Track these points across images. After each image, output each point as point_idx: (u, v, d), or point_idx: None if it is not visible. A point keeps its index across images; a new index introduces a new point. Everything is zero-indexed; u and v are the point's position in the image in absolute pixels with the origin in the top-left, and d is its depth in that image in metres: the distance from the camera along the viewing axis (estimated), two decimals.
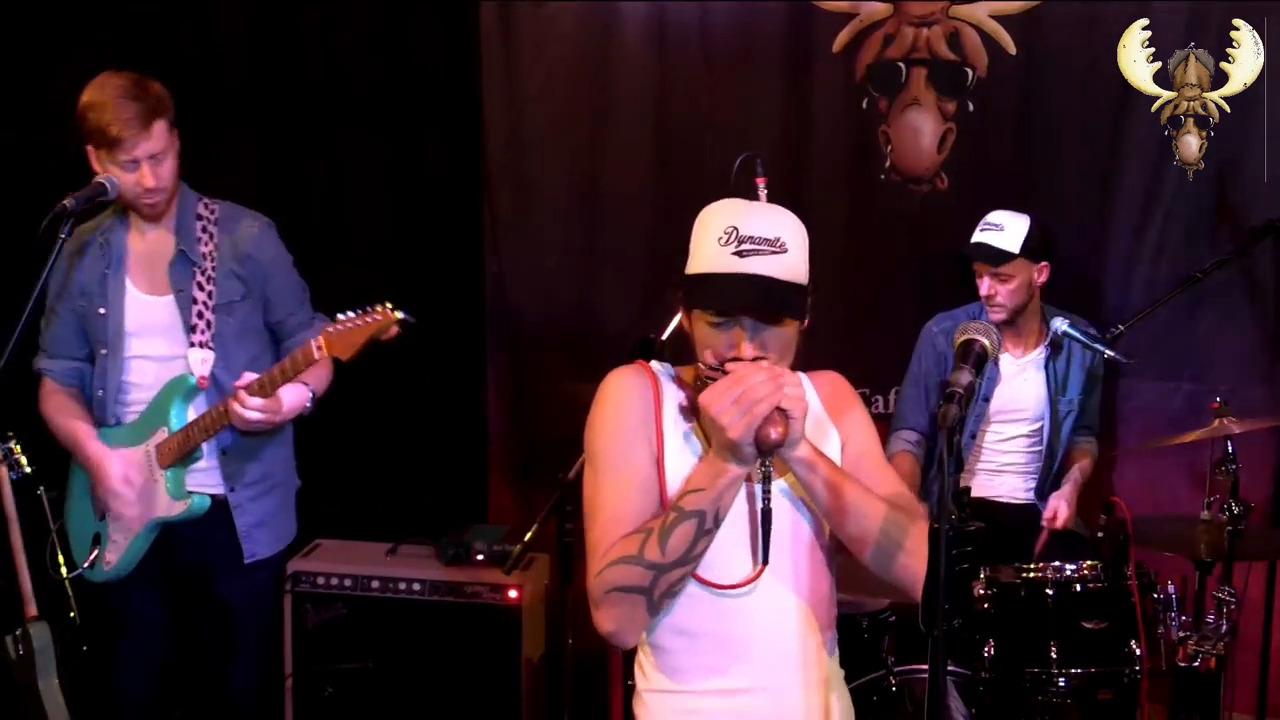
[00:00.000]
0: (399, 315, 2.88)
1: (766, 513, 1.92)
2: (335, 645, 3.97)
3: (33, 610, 3.48)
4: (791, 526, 2.04)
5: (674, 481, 2.01)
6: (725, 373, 1.91)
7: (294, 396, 3.06)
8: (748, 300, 1.94)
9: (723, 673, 2.04)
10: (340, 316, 2.90)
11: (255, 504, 3.21)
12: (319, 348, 2.88)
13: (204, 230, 3.14)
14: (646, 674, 2.12)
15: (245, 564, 3.19)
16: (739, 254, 1.93)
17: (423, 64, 4.51)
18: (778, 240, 1.94)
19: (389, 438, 4.61)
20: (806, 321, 2.03)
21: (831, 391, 2.19)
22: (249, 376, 2.95)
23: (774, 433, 1.85)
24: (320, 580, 3.98)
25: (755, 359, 1.93)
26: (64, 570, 3.30)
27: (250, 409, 2.92)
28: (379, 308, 2.89)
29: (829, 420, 2.14)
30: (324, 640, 3.98)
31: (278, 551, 3.32)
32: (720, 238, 1.95)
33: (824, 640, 2.09)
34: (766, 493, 1.91)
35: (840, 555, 2.13)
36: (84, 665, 3.46)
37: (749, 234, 1.94)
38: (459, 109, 4.50)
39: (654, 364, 2.16)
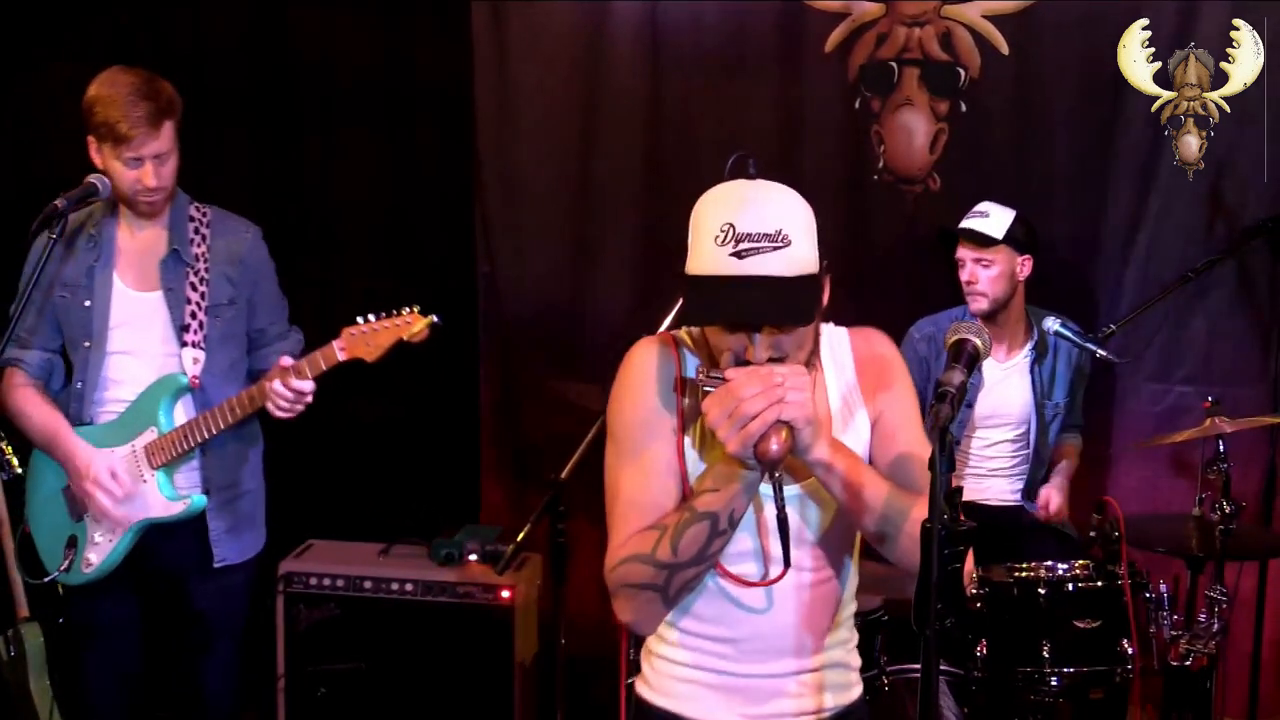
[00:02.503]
0: (431, 319, 2.92)
1: (783, 520, 1.86)
2: (328, 646, 3.96)
3: (24, 611, 3.47)
4: (799, 532, 2.01)
5: (693, 461, 1.99)
6: (725, 379, 1.83)
7: None
8: (751, 313, 1.84)
9: (721, 655, 2.06)
10: (360, 320, 2.94)
11: (227, 509, 3.19)
12: (341, 349, 2.93)
13: (196, 232, 3.14)
14: (657, 636, 2.14)
15: (215, 568, 3.17)
16: (738, 254, 1.82)
17: (415, 63, 4.51)
18: (779, 233, 1.83)
19: (381, 438, 4.60)
20: (825, 302, 1.96)
21: (869, 355, 2.10)
22: (288, 360, 2.97)
23: (773, 447, 1.78)
24: (313, 581, 3.98)
25: (771, 359, 1.86)
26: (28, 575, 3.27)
27: (301, 388, 2.94)
28: (406, 311, 2.93)
29: (859, 390, 2.07)
30: (316, 641, 3.97)
31: (247, 559, 3.27)
32: (717, 236, 1.84)
33: (828, 638, 2.09)
34: (780, 500, 1.85)
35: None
36: (75, 667, 3.45)
37: (746, 231, 1.83)
38: (451, 108, 4.49)
39: (680, 332, 2.10)
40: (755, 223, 1.84)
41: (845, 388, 2.07)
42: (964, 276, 3.78)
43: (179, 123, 3.03)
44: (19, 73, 4.41)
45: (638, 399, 2.02)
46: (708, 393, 1.85)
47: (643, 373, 2.03)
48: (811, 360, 2.00)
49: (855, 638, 2.20)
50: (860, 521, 1.95)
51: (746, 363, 1.86)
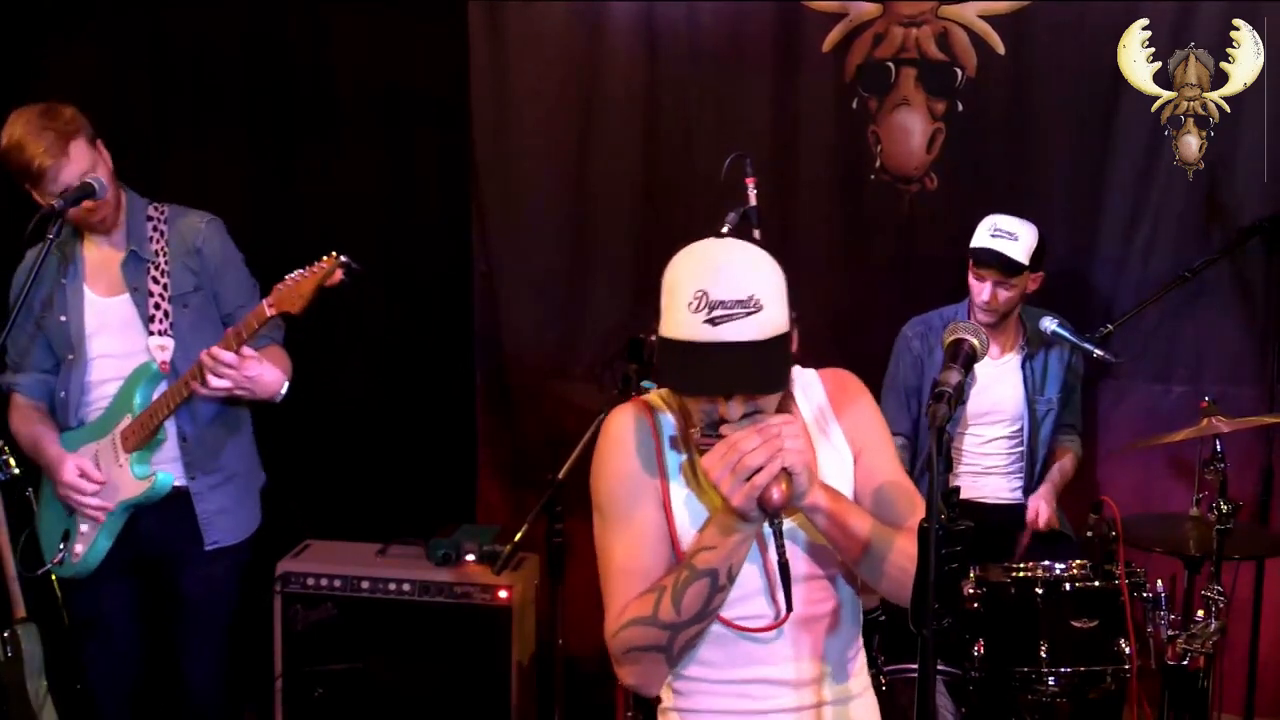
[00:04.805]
0: (342, 259, 2.95)
1: (784, 565, 1.87)
2: (325, 646, 3.97)
3: (21, 611, 3.47)
4: (805, 569, 2.04)
5: (682, 522, 2.01)
6: (721, 436, 1.87)
7: (271, 378, 3.14)
8: (725, 383, 1.86)
9: (738, 697, 2.06)
10: (287, 276, 3.00)
11: (215, 492, 3.27)
12: (270, 305, 2.99)
13: (154, 229, 3.23)
14: (666, 694, 2.15)
15: (206, 551, 3.25)
16: (711, 321, 1.84)
17: (413, 64, 4.50)
18: (750, 299, 1.85)
19: (378, 438, 4.60)
20: (795, 347, 1.97)
21: (843, 395, 2.14)
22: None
23: (776, 494, 1.82)
24: (310, 581, 3.98)
25: (746, 414, 1.88)
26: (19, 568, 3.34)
27: (223, 362, 2.98)
28: (325, 259, 2.97)
29: (835, 421, 2.11)
30: (314, 641, 3.97)
31: (240, 541, 3.34)
32: (690, 303, 1.86)
33: (841, 669, 2.11)
34: (781, 546, 1.87)
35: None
36: (72, 667, 3.45)
37: (719, 298, 1.84)
38: (448, 108, 4.49)
39: (651, 396, 2.14)
40: (728, 290, 1.85)
41: (825, 428, 2.10)
42: (983, 295, 3.68)
43: (90, 138, 3.08)
44: (17, 73, 4.40)
45: (618, 466, 2.04)
46: (705, 449, 1.89)
47: (620, 440, 2.05)
48: (787, 405, 2.02)
49: (865, 701, 2.18)
50: (850, 558, 1.98)
51: (723, 421, 1.89)
